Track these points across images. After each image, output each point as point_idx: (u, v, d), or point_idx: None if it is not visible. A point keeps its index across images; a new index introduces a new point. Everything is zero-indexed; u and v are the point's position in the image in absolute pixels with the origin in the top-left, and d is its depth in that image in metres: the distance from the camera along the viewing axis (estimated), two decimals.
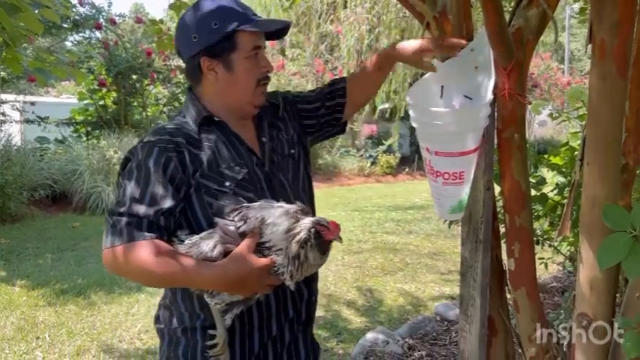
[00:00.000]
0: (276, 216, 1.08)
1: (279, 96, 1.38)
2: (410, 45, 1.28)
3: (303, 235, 1.05)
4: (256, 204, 1.12)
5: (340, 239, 1.09)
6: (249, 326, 1.19)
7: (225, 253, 1.06)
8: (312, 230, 1.06)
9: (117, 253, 1.05)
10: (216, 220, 1.10)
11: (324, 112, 1.39)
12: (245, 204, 1.12)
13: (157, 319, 1.27)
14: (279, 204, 1.12)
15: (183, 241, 1.10)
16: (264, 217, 1.08)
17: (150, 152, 1.12)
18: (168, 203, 1.09)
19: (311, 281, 1.29)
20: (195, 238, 1.10)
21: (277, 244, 1.07)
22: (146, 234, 1.05)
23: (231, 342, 1.17)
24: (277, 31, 1.25)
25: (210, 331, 1.14)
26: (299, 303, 1.26)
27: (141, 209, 1.07)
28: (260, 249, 1.07)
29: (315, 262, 1.08)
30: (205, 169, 1.14)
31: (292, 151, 1.31)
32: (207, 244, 1.08)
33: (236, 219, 1.08)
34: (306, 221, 1.08)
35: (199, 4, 1.20)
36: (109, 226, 1.07)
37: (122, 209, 1.07)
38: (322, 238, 1.06)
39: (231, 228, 1.08)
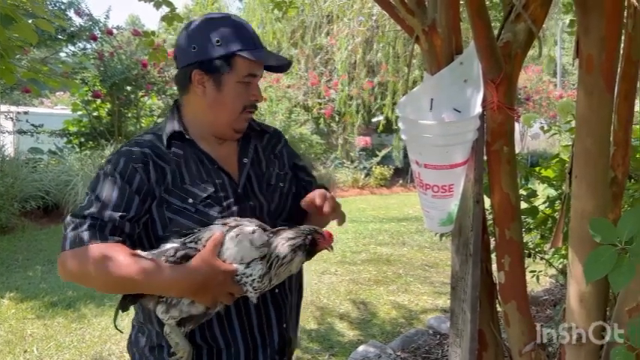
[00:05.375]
0: (227, 239, 1.06)
1: (282, 136, 1.39)
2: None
3: (299, 240, 1.07)
4: (212, 226, 1.10)
5: (332, 248, 1.13)
6: (216, 347, 1.16)
7: (187, 258, 1.04)
8: (309, 237, 1.08)
9: (77, 255, 1.02)
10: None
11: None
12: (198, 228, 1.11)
13: (129, 341, 1.25)
14: (241, 222, 1.10)
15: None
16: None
17: (117, 163, 1.13)
18: (133, 211, 1.08)
19: (281, 307, 1.23)
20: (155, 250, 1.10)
21: (230, 260, 1.05)
22: (109, 237, 1.04)
23: None
24: (280, 65, 1.23)
25: (173, 350, 1.11)
26: (266, 327, 1.20)
27: (106, 213, 1.06)
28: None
29: (295, 267, 1.09)
30: (169, 183, 1.13)
31: (281, 184, 1.28)
32: (168, 250, 1.07)
33: (190, 239, 1.08)
34: (305, 227, 1.10)
35: (210, 19, 1.19)
36: (70, 228, 1.05)
37: (86, 212, 1.06)
38: (315, 246, 1.09)
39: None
